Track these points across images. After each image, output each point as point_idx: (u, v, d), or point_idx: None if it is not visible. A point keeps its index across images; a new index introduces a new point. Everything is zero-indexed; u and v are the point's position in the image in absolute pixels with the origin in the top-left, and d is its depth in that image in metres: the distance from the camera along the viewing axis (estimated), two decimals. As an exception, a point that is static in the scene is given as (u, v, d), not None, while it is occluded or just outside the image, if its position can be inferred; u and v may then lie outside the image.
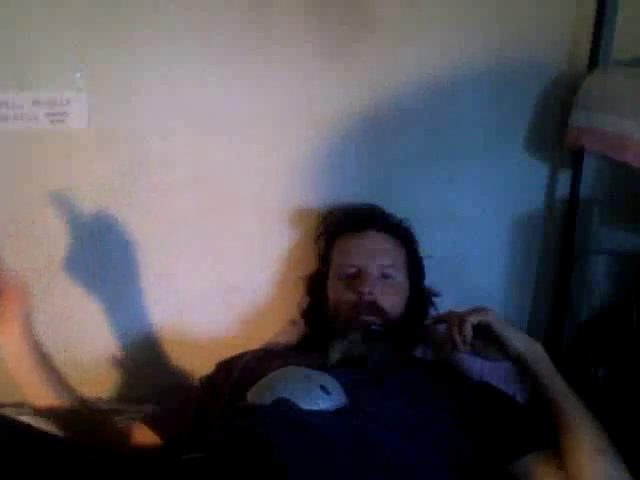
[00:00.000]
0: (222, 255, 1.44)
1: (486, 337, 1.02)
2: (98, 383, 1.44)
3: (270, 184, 1.41)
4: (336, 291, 1.19)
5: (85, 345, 1.47)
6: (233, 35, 1.37)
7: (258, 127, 1.39)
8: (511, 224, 1.42)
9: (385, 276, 1.17)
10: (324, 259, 1.25)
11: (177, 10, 1.36)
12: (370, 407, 0.97)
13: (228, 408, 1.02)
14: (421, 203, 1.40)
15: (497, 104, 1.37)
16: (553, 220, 1.40)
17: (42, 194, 1.42)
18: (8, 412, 1.04)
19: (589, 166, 1.36)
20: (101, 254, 1.44)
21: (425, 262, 1.28)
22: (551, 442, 0.95)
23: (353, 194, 1.38)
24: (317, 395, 0.94)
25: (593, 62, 1.30)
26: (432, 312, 1.26)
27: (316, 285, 1.25)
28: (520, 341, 1.00)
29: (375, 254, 1.18)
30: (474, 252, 1.42)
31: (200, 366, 1.42)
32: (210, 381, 1.17)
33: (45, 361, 1.02)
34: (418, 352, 1.25)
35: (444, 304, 1.25)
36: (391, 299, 1.16)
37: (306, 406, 0.92)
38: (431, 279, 1.28)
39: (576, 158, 1.34)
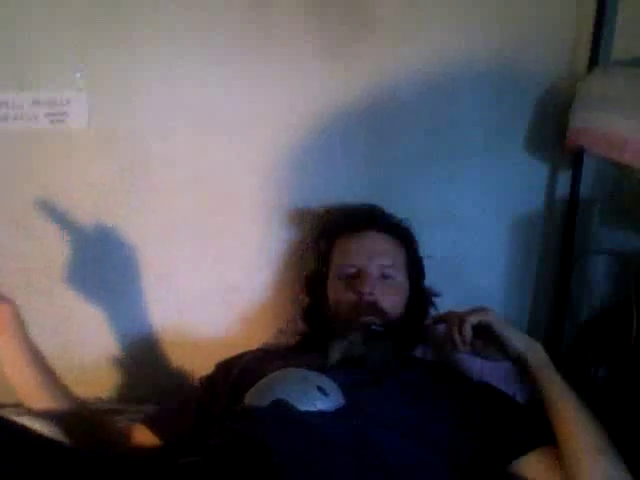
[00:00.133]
0: (222, 255, 1.44)
1: (486, 337, 1.02)
2: (98, 383, 1.44)
3: (270, 184, 1.41)
4: (336, 291, 1.19)
5: (85, 345, 1.47)
6: (233, 35, 1.37)
7: (258, 127, 1.39)
8: (511, 224, 1.42)
9: (385, 276, 1.17)
10: (324, 259, 1.25)
11: (177, 10, 1.36)
12: (370, 407, 0.97)
13: (226, 410, 1.02)
14: (421, 203, 1.40)
15: (497, 104, 1.37)
16: (553, 220, 1.40)
17: (42, 194, 1.42)
18: (7, 412, 1.04)
19: (589, 166, 1.36)
20: (101, 254, 1.44)
21: (425, 262, 1.28)
22: (551, 442, 0.95)
23: (353, 194, 1.38)
24: (314, 396, 0.94)
25: (593, 62, 1.30)
26: (432, 312, 1.26)
27: (316, 285, 1.25)
28: (520, 341, 1.00)
29: (375, 254, 1.18)
30: (474, 252, 1.42)
31: (200, 366, 1.42)
32: (210, 381, 1.16)
33: (42, 367, 1.02)
34: (418, 352, 1.25)
35: (444, 304, 1.25)
36: (391, 299, 1.16)
37: (303, 407, 0.92)
38: (431, 279, 1.28)
39: (576, 158, 1.34)
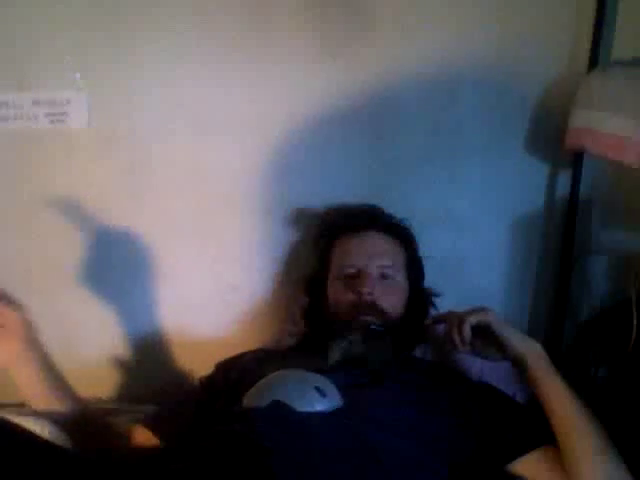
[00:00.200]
0: (222, 255, 1.44)
1: (486, 337, 1.02)
2: (98, 383, 1.44)
3: (270, 184, 1.41)
4: (336, 291, 1.19)
5: (85, 346, 1.47)
6: (233, 35, 1.37)
7: (258, 127, 1.39)
8: (511, 224, 1.42)
9: (385, 276, 1.17)
10: (324, 259, 1.25)
11: (177, 10, 1.36)
12: (370, 407, 0.97)
13: (224, 411, 1.02)
14: (421, 203, 1.40)
15: (497, 104, 1.37)
16: (553, 220, 1.40)
17: (42, 194, 1.42)
18: (8, 412, 1.04)
19: (589, 166, 1.36)
20: (101, 254, 1.44)
21: (425, 262, 1.28)
22: (550, 442, 0.95)
23: (353, 194, 1.38)
24: (312, 397, 0.94)
25: (593, 62, 1.30)
26: (432, 312, 1.26)
27: (316, 285, 1.25)
28: (520, 341, 1.00)
29: (375, 254, 1.18)
30: (474, 252, 1.42)
31: (200, 366, 1.41)
32: (210, 381, 1.16)
33: (51, 373, 1.03)
34: (418, 352, 1.25)
35: (444, 304, 1.25)
36: (391, 299, 1.16)
37: (301, 408, 0.92)
38: (431, 279, 1.28)
39: (576, 158, 1.34)
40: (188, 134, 1.41)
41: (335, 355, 1.09)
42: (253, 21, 1.36)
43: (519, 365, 1.00)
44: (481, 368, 1.20)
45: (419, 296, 1.24)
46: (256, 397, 0.97)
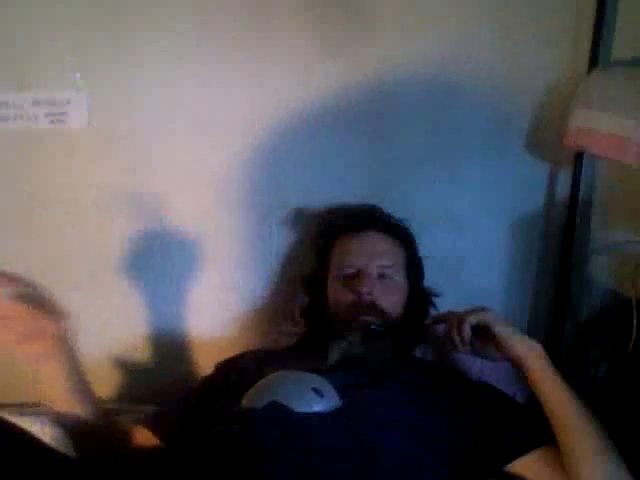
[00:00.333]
0: (221, 255, 1.44)
1: (485, 337, 1.02)
2: (98, 383, 1.43)
3: (270, 184, 1.41)
4: (335, 291, 1.19)
5: (85, 346, 1.47)
6: (233, 35, 1.36)
7: (258, 127, 1.39)
8: (511, 224, 1.42)
9: (384, 276, 1.17)
10: (323, 259, 1.25)
11: (177, 10, 1.36)
12: (370, 407, 0.97)
13: (223, 411, 1.02)
14: (421, 203, 1.40)
15: (497, 104, 1.37)
16: (553, 220, 1.40)
17: (42, 194, 1.42)
18: (8, 412, 1.04)
19: (589, 166, 1.36)
20: (100, 254, 1.44)
21: (425, 262, 1.28)
22: (551, 442, 0.95)
23: (353, 194, 1.38)
24: (310, 398, 0.94)
25: (593, 62, 1.30)
26: (432, 312, 1.26)
27: (315, 285, 1.25)
28: (520, 341, 1.00)
29: (375, 254, 1.18)
30: (474, 252, 1.42)
31: (200, 366, 1.42)
32: (209, 382, 1.16)
33: (81, 384, 1.04)
34: (418, 352, 1.25)
35: (444, 304, 1.25)
36: (390, 299, 1.16)
37: (299, 409, 0.92)
38: (431, 279, 1.28)
39: (576, 158, 1.34)
40: (188, 134, 1.41)
41: (335, 355, 1.09)
42: (253, 21, 1.36)
43: (519, 365, 1.00)
44: (481, 368, 1.20)
45: (419, 296, 1.24)
46: (255, 397, 0.97)
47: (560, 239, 1.39)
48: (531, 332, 1.35)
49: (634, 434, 1.10)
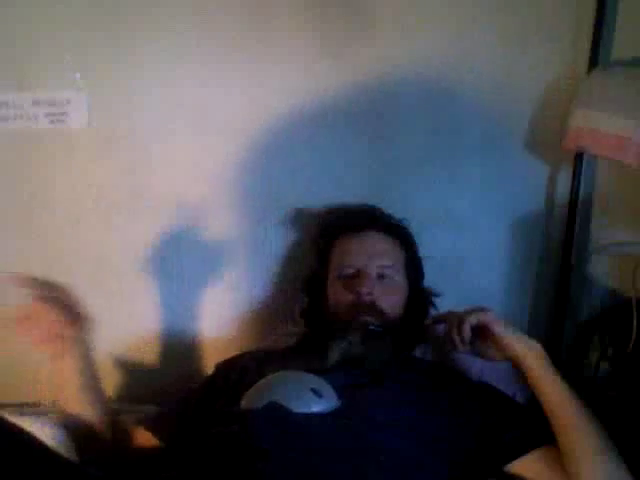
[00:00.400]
0: (222, 255, 1.44)
1: (485, 337, 1.02)
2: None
3: (270, 184, 1.41)
4: (335, 291, 1.18)
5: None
6: (233, 35, 1.37)
7: (258, 127, 1.39)
8: (511, 224, 1.42)
9: (384, 276, 1.17)
10: (323, 259, 1.25)
11: (177, 10, 1.36)
12: (370, 407, 0.97)
13: (221, 412, 1.02)
14: (421, 203, 1.40)
15: (497, 104, 1.37)
16: (553, 220, 1.40)
17: (42, 194, 1.42)
18: (9, 412, 1.04)
19: (589, 166, 1.36)
20: (100, 254, 1.44)
21: (425, 262, 1.28)
22: (551, 442, 0.95)
23: (353, 194, 1.38)
24: (308, 398, 0.94)
25: (593, 62, 1.30)
26: (432, 312, 1.26)
27: (315, 285, 1.25)
28: (520, 341, 1.00)
29: (374, 255, 1.18)
30: (474, 252, 1.42)
31: (200, 366, 1.42)
32: (209, 382, 1.16)
33: (94, 388, 1.06)
34: (418, 352, 1.25)
35: (444, 304, 1.25)
36: (390, 299, 1.16)
37: (297, 409, 0.92)
38: (431, 279, 1.28)
39: (576, 158, 1.34)
40: (188, 134, 1.41)
41: (335, 355, 1.09)
42: (253, 21, 1.36)
43: (519, 365, 1.00)
44: (481, 368, 1.20)
45: (419, 296, 1.24)
46: (254, 398, 0.97)
47: (560, 239, 1.39)
48: (531, 332, 1.34)
49: (634, 434, 1.10)
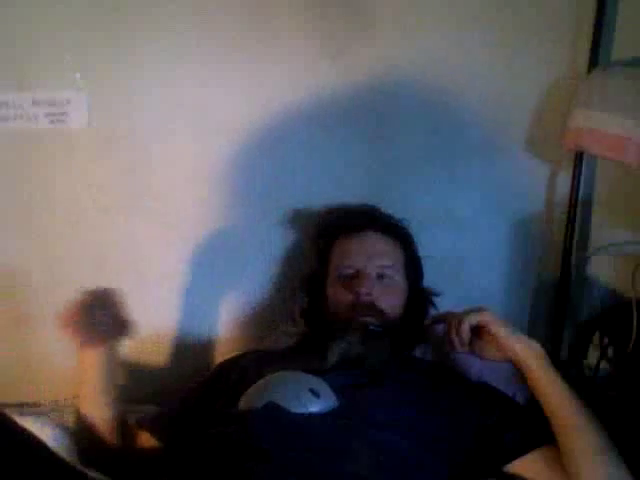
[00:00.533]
0: (221, 255, 1.44)
1: (485, 337, 1.02)
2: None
3: (270, 184, 1.41)
4: (334, 292, 1.18)
5: (85, 345, 1.47)
6: (233, 35, 1.36)
7: (258, 127, 1.39)
8: (511, 224, 1.42)
9: (384, 276, 1.17)
10: (323, 260, 1.25)
11: (177, 10, 1.36)
12: (369, 407, 0.97)
13: (222, 413, 1.02)
14: (421, 203, 1.40)
15: (497, 104, 1.37)
16: (553, 220, 1.40)
17: (42, 194, 1.42)
18: (9, 412, 1.04)
19: (589, 166, 1.36)
20: (100, 254, 1.44)
21: (425, 262, 1.28)
22: (551, 442, 0.95)
23: (352, 194, 1.38)
24: (307, 399, 0.94)
25: (593, 62, 1.30)
26: (432, 312, 1.26)
27: (315, 286, 1.25)
28: (519, 341, 1.00)
29: (374, 255, 1.18)
30: (474, 252, 1.42)
31: (200, 366, 1.42)
32: (209, 382, 1.16)
33: (114, 400, 1.09)
34: (418, 352, 1.25)
35: (444, 304, 1.25)
36: (389, 299, 1.16)
37: (295, 410, 0.92)
38: (431, 279, 1.28)
39: (576, 158, 1.34)
40: (188, 134, 1.41)
41: (334, 355, 1.09)
42: (253, 21, 1.35)
43: (519, 365, 1.00)
44: (481, 368, 1.20)
45: (418, 296, 1.24)
46: (253, 398, 0.97)
47: (560, 239, 1.39)
48: (531, 332, 1.35)
49: (634, 434, 1.10)
